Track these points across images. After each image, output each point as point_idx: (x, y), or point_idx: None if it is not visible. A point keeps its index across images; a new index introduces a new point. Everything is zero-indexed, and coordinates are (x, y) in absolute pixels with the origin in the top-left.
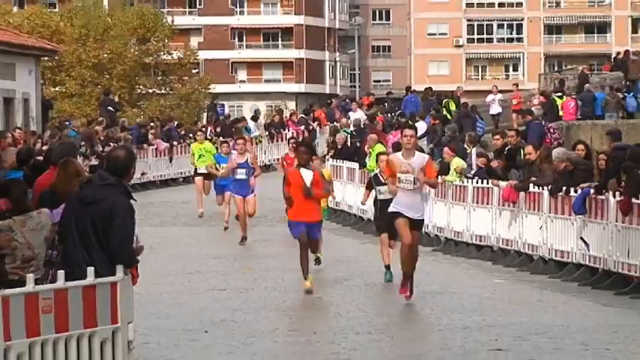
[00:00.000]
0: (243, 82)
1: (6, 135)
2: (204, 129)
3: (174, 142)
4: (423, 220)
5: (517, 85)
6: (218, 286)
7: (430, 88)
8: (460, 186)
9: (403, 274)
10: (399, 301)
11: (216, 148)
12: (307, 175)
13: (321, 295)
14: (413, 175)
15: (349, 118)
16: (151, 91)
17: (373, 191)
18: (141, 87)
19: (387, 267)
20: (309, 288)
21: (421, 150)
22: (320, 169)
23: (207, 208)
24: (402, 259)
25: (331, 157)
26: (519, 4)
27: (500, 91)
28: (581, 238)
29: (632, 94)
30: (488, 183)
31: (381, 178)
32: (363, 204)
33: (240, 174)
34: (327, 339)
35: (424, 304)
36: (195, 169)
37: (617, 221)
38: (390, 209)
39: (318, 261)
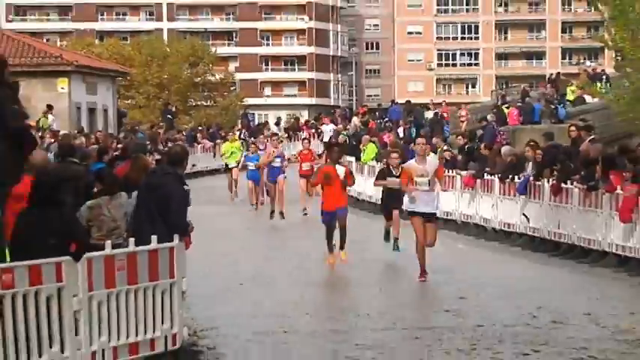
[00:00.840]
0: (269, 96)
1: (90, 136)
2: (238, 131)
3: (217, 142)
4: (436, 213)
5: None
6: (250, 250)
7: (409, 101)
8: None
9: (420, 264)
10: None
11: (246, 147)
12: (340, 169)
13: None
14: (428, 177)
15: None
16: (199, 103)
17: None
18: (192, 100)
19: (396, 239)
20: (332, 263)
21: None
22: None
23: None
24: (418, 254)
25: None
26: (477, 38)
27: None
28: (524, 213)
29: (561, 105)
30: (452, 172)
31: (392, 170)
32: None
33: (276, 162)
34: (342, 289)
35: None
36: (226, 165)
37: (550, 200)
38: (407, 208)
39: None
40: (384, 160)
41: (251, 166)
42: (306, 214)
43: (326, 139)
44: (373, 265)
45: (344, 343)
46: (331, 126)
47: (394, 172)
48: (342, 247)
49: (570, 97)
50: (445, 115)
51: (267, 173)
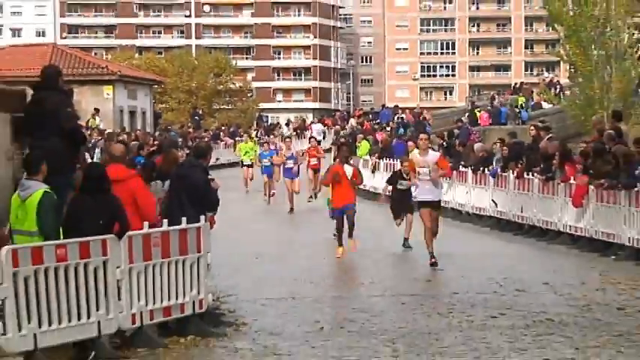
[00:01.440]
0: (280, 101)
1: (131, 134)
2: (255, 131)
3: (236, 139)
4: (440, 201)
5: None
6: (264, 231)
7: (397, 105)
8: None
9: (429, 251)
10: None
11: (261, 145)
12: (349, 169)
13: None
14: (428, 168)
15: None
16: (222, 107)
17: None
18: (216, 105)
19: (406, 239)
20: (339, 254)
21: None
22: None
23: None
24: (426, 239)
25: (334, 144)
26: (453, 53)
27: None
28: (492, 199)
29: (524, 109)
30: None
31: (403, 174)
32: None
33: (289, 164)
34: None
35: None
36: (242, 162)
37: (514, 189)
38: (416, 199)
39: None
40: (403, 163)
41: (265, 162)
42: (310, 200)
43: (315, 135)
44: (370, 246)
45: (343, 307)
46: (319, 125)
47: (405, 177)
48: (350, 236)
49: (520, 101)
50: (427, 117)
51: (282, 171)
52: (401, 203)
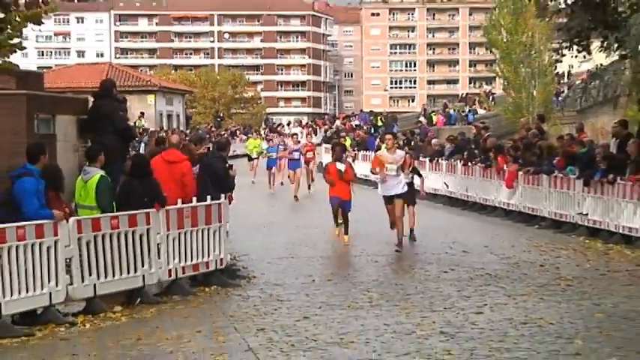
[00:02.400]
0: (282, 107)
1: (168, 132)
2: (263, 130)
3: (249, 136)
4: (405, 193)
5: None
6: (269, 208)
7: (372, 110)
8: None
9: (398, 238)
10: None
11: (266, 142)
12: (341, 166)
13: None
14: (396, 165)
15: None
16: (237, 111)
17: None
18: (233, 109)
19: (411, 230)
20: (337, 234)
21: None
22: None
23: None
24: (396, 229)
25: (324, 142)
26: (415, 70)
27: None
28: (444, 182)
29: (471, 113)
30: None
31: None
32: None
33: (295, 155)
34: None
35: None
36: (249, 156)
37: (461, 174)
38: (382, 194)
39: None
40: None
41: (271, 155)
42: (309, 188)
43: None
44: (358, 224)
45: (330, 265)
46: (299, 128)
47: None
48: (345, 233)
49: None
50: (396, 118)
51: (288, 164)
52: (406, 194)
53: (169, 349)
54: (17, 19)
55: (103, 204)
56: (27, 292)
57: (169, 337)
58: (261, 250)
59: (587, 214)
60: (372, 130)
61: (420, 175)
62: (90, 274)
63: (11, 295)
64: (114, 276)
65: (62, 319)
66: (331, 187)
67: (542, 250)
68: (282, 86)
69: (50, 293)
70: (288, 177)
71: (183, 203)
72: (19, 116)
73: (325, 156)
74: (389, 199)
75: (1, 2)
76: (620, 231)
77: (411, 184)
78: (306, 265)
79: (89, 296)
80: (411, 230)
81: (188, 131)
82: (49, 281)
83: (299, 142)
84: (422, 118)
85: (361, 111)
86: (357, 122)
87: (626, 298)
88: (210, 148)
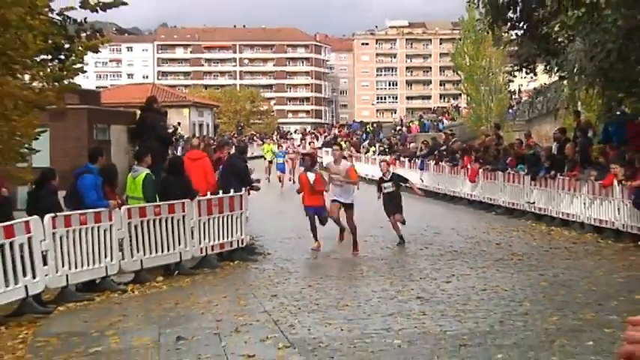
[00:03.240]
0: (290, 118)
1: (199, 138)
2: (275, 136)
3: (264, 141)
4: (352, 204)
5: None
6: (278, 201)
7: (362, 121)
8: (373, 159)
9: (340, 230)
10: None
11: (277, 147)
12: (311, 176)
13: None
14: (341, 175)
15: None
16: (255, 121)
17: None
18: (251, 120)
19: (400, 236)
20: (315, 247)
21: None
22: (320, 172)
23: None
24: (336, 223)
25: (324, 145)
26: (396, 88)
27: (386, 122)
28: (420, 178)
29: (441, 122)
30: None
31: (384, 178)
32: (378, 198)
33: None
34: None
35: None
36: (264, 157)
37: (433, 171)
38: (330, 198)
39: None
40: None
41: (279, 160)
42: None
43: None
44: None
45: (329, 244)
46: (300, 135)
47: (385, 178)
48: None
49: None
50: (382, 126)
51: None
52: (389, 204)
53: (201, 311)
54: (80, 48)
55: (148, 196)
56: (88, 265)
57: (201, 302)
58: (274, 232)
59: (533, 203)
60: (364, 136)
61: (406, 181)
62: (137, 252)
63: (75, 268)
64: (157, 253)
65: (116, 287)
66: (305, 197)
67: (498, 232)
68: (290, 101)
69: (106, 267)
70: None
71: (209, 192)
72: (81, 126)
73: (325, 157)
74: (333, 202)
75: (68, 35)
76: (560, 216)
77: (396, 194)
78: (309, 244)
79: (137, 269)
80: (400, 236)
81: (215, 137)
82: (105, 257)
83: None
84: (402, 126)
85: (354, 121)
86: (352, 130)
87: (564, 270)
88: (233, 151)
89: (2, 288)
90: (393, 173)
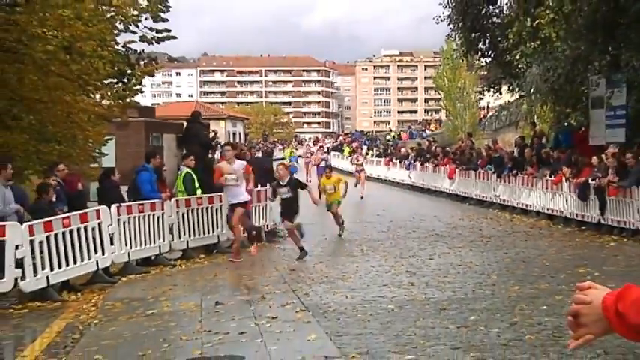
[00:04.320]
0: (305, 128)
1: (234, 146)
2: (294, 143)
3: (284, 146)
4: (246, 202)
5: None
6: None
7: (362, 130)
8: (371, 160)
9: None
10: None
11: (293, 151)
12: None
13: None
14: (235, 175)
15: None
16: (277, 131)
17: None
18: (274, 130)
19: (301, 248)
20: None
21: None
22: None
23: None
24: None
25: (332, 150)
26: (390, 104)
27: (383, 132)
28: (409, 175)
29: (425, 132)
30: (385, 159)
31: (280, 183)
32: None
33: (323, 163)
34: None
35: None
36: (284, 158)
37: (419, 170)
38: (229, 202)
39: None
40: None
41: (293, 164)
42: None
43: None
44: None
45: (336, 229)
46: (310, 143)
47: (281, 183)
48: (255, 240)
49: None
50: (377, 136)
51: (316, 170)
52: (286, 209)
53: (234, 281)
54: (139, 73)
55: (187, 189)
56: (145, 245)
57: (234, 274)
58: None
59: (499, 196)
60: (366, 142)
61: (304, 187)
62: (184, 234)
63: (135, 247)
64: (200, 235)
65: (167, 262)
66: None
67: (471, 219)
68: (305, 115)
69: (159, 246)
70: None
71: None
72: (140, 135)
73: (333, 160)
74: (230, 207)
75: (130, 63)
76: (520, 206)
77: (292, 200)
78: (320, 229)
79: (184, 248)
80: (299, 245)
81: (246, 143)
82: (158, 238)
83: (325, 152)
84: (396, 135)
85: (356, 131)
86: (354, 137)
87: (524, 249)
88: (260, 154)
89: (78, 262)
90: (290, 179)
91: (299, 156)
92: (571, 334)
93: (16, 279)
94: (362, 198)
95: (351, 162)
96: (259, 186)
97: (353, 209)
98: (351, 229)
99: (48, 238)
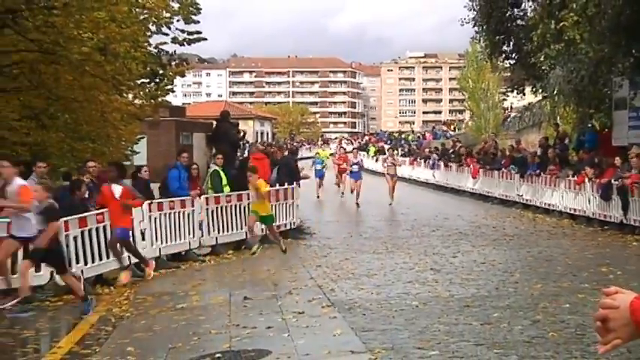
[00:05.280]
0: (331, 128)
1: (260, 145)
2: (320, 143)
3: (310, 146)
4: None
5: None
6: (319, 198)
7: (387, 130)
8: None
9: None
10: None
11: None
12: (118, 189)
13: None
14: (12, 199)
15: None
16: (303, 130)
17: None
18: (301, 129)
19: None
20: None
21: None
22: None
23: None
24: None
25: (358, 149)
26: (414, 105)
27: (407, 132)
28: (433, 174)
29: (449, 132)
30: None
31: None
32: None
33: (355, 168)
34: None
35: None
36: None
37: (443, 169)
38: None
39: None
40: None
41: (318, 167)
42: (342, 196)
43: (344, 146)
44: (370, 200)
45: (360, 226)
46: (344, 142)
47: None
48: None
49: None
50: (402, 135)
51: (349, 175)
52: None
53: (262, 276)
54: (170, 73)
55: (215, 187)
56: (175, 240)
57: (262, 270)
58: (318, 216)
59: (522, 195)
60: (390, 142)
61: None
62: (214, 231)
63: (167, 242)
64: (228, 231)
65: (197, 257)
66: (111, 215)
67: (494, 218)
68: (331, 115)
69: (189, 242)
70: (351, 190)
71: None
72: (171, 133)
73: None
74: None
75: (161, 64)
76: (543, 206)
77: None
78: (345, 226)
79: (213, 244)
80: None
81: (274, 142)
82: (188, 234)
83: (356, 155)
84: (420, 136)
85: (381, 130)
86: (379, 137)
87: (546, 247)
88: (287, 153)
89: (111, 257)
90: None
91: (331, 154)
92: (599, 339)
93: (51, 272)
94: (390, 205)
95: (383, 163)
96: (286, 184)
97: (378, 208)
98: (376, 227)
99: (82, 233)
